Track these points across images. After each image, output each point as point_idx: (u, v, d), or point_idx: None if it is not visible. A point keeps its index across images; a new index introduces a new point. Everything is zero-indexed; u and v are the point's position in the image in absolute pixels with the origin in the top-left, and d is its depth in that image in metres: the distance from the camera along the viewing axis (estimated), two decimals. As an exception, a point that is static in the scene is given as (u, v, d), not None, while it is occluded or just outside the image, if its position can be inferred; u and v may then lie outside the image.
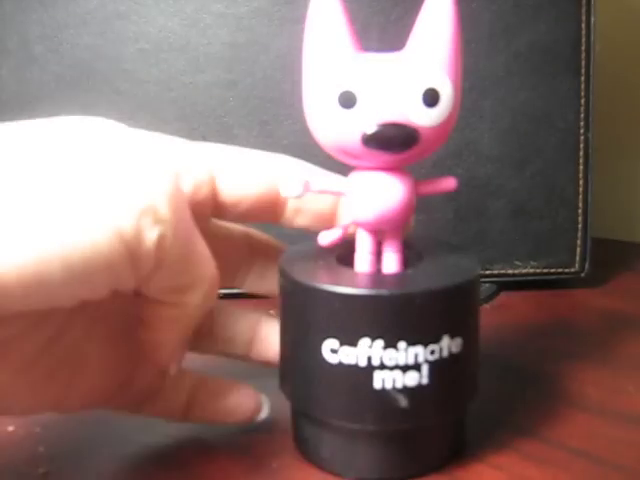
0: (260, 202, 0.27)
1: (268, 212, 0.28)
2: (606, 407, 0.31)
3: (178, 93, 0.44)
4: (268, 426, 0.29)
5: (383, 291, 0.24)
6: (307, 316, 0.25)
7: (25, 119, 0.44)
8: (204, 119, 0.44)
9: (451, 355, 0.25)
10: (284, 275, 0.26)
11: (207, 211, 0.27)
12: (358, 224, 0.26)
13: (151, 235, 0.21)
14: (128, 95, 0.44)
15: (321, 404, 0.25)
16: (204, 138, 0.44)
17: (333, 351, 0.24)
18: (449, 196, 0.43)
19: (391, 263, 0.26)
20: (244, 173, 0.27)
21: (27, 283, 0.19)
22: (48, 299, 0.20)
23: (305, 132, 0.43)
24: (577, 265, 0.45)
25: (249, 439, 0.29)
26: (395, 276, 0.26)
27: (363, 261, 0.26)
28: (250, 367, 0.30)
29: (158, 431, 0.30)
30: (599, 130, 0.44)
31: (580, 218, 0.44)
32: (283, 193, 0.26)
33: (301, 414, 0.27)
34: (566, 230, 0.44)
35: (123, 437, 0.30)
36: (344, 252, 0.27)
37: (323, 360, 0.25)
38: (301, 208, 0.28)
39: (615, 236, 0.58)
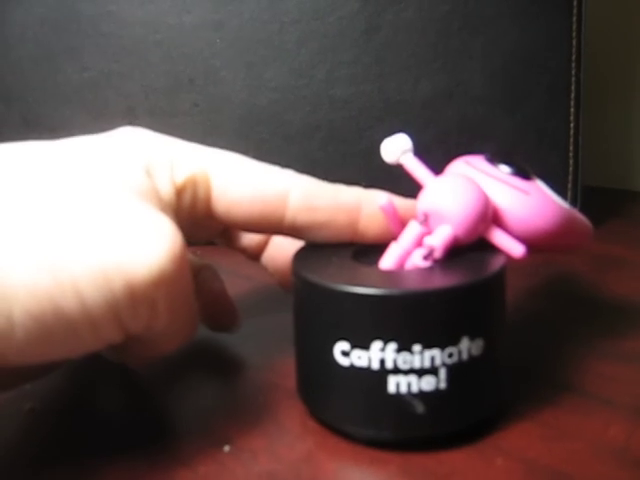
0: (254, 214, 0.25)
1: (265, 226, 0.26)
2: (595, 344, 0.31)
3: (164, 35, 0.43)
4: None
5: (394, 290, 0.22)
6: (317, 316, 0.24)
7: (7, 61, 0.43)
8: (190, 61, 0.43)
9: (471, 358, 0.23)
10: (295, 272, 0.25)
11: (200, 211, 0.26)
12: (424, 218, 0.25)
13: (143, 321, 0.22)
14: (113, 37, 0.43)
15: (334, 409, 0.24)
16: (191, 81, 0.43)
17: (344, 354, 0.23)
18: (438, 138, 0.43)
19: (417, 258, 0.25)
20: (240, 179, 0.25)
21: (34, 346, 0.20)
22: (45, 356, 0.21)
23: (292, 73, 0.43)
24: (567, 209, 0.45)
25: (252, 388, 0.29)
26: (410, 274, 0.24)
27: (392, 255, 0.25)
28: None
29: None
30: (591, 73, 0.44)
31: (571, 161, 0.44)
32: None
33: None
34: (557, 174, 0.44)
35: (110, 378, 0.30)
36: (362, 247, 0.26)
37: (335, 363, 0.23)
38: (306, 225, 0.26)
39: (605, 184, 0.58)
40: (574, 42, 0.42)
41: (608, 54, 0.57)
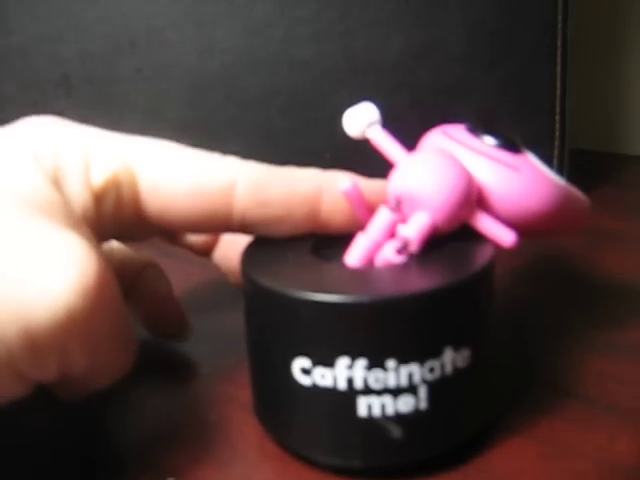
0: (194, 213, 0.22)
1: (208, 226, 0.23)
2: (592, 336, 0.28)
3: (99, -8, 0.39)
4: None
5: (362, 297, 0.19)
6: (271, 327, 0.21)
7: None
8: (130, 22, 0.39)
9: (456, 372, 0.20)
10: (244, 273, 0.21)
11: (127, 215, 0.22)
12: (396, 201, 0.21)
13: (52, 370, 0.18)
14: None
15: (295, 433, 0.21)
16: (132, 44, 0.39)
17: (305, 372, 0.20)
18: (411, 102, 0.39)
19: (389, 251, 0.21)
20: (174, 173, 0.22)
21: None
22: None
23: (246, 33, 0.39)
24: (554, 177, 0.42)
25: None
26: (381, 273, 0.21)
27: (359, 249, 0.22)
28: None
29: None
30: (578, 27, 0.40)
31: (557, 125, 0.40)
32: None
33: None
34: (542, 138, 0.41)
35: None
36: (323, 238, 0.23)
37: (294, 382, 0.20)
38: (255, 221, 0.22)
39: (593, 147, 0.54)
40: (560, -8, 0.39)
41: (597, 6, 0.53)
